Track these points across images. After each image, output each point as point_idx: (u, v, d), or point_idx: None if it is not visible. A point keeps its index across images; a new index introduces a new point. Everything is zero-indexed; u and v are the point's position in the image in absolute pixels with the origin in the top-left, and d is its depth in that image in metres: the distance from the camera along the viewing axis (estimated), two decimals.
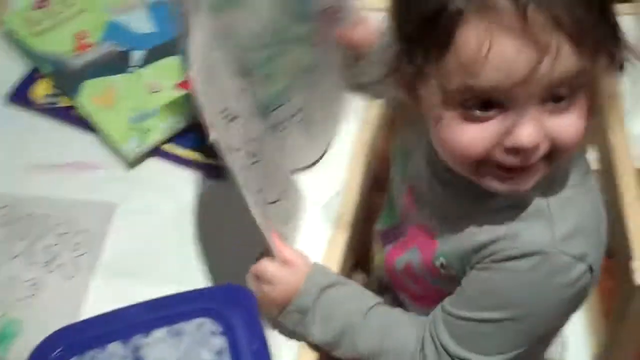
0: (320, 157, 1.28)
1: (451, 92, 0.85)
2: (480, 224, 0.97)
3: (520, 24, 0.78)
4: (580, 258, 0.93)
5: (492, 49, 0.79)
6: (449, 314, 1.00)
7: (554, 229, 0.93)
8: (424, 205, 1.07)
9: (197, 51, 0.94)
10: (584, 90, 0.87)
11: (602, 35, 0.84)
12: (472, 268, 0.98)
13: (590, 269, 0.94)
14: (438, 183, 1.03)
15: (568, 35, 0.80)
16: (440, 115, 0.88)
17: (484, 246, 0.96)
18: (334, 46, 1.18)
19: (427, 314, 1.05)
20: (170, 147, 1.28)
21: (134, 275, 1.15)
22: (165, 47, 1.37)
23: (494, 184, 0.91)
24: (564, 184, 0.96)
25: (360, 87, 1.24)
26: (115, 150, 1.27)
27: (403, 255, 1.11)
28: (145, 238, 1.20)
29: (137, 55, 1.36)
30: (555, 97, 0.84)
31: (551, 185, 0.95)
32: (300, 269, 1.06)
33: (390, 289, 1.20)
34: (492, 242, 0.95)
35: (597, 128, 1.29)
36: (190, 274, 1.15)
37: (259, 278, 1.06)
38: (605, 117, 1.27)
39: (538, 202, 0.94)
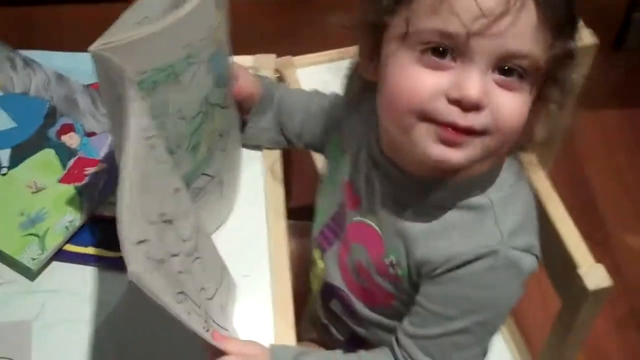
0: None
1: (415, 31, 0.87)
2: (421, 224, 1.00)
3: None
4: (528, 249, 0.98)
5: None
6: (418, 337, 1.02)
7: (501, 227, 0.97)
8: (365, 200, 1.07)
9: (131, 159, 0.84)
10: (535, 80, 0.90)
11: (566, 31, 0.89)
12: (423, 277, 1.01)
13: (536, 257, 1.00)
14: (378, 176, 1.04)
15: (538, 5, 0.85)
16: (397, 54, 0.90)
17: (433, 252, 0.99)
18: (234, 106, 1.17)
19: (375, 314, 1.11)
20: (73, 247, 1.14)
21: None
22: (31, 142, 1.23)
23: (428, 145, 0.90)
24: (503, 183, 1.00)
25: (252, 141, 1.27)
26: (12, 262, 1.11)
27: (351, 255, 1.11)
28: (76, 350, 1.05)
29: (2, 154, 1.21)
30: (506, 70, 0.88)
31: (492, 185, 0.99)
32: (259, 357, 1.01)
33: (336, 296, 1.17)
34: (442, 246, 0.98)
35: None
36: None
37: None
38: None
39: (482, 202, 0.98)
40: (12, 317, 1.08)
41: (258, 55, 1.40)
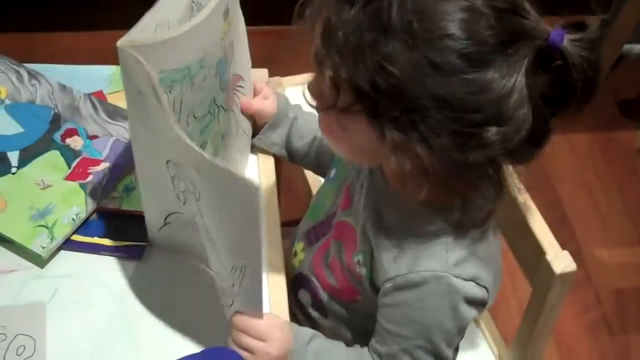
0: None
1: None
2: (388, 235, 1.09)
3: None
4: (472, 279, 1.07)
5: None
6: (382, 354, 1.11)
7: (448, 256, 1.05)
8: (354, 203, 1.17)
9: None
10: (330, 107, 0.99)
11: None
12: (380, 287, 1.10)
13: (485, 288, 1.08)
14: (370, 183, 1.14)
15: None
16: None
17: (388, 264, 1.08)
18: (234, 110, 1.26)
19: (340, 307, 1.23)
20: (80, 237, 1.24)
21: None
22: (38, 144, 1.33)
23: None
24: (465, 212, 1.06)
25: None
26: (24, 251, 1.21)
27: (329, 250, 1.21)
28: (88, 328, 1.15)
29: (12, 156, 1.31)
30: None
31: (453, 212, 1.06)
32: (283, 326, 1.10)
33: (306, 287, 1.28)
34: (396, 260, 1.07)
35: None
36: (148, 353, 1.13)
37: (249, 335, 1.06)
38: None
39: (441, 227, 1.06)
40: (28, 299, 1.17)
41: (252, 70, 1.49)
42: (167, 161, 1.06)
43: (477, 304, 1.09)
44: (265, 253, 1.23)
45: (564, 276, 1.28)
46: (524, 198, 1.33)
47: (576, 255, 2.20)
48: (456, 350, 1.36)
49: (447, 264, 1.05)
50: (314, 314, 1.28)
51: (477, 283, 1.07)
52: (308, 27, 0.98)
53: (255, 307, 1.05)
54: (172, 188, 1.10)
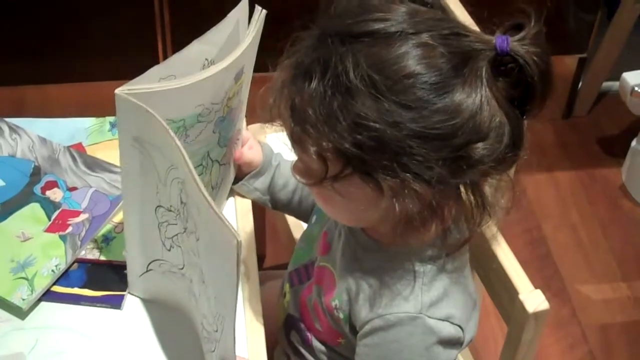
0: None
1: None
2: (365, 279, 1.12)
3: None
4: (446, 319, 1.10)
5: None
6: None
7: (423, 297, 1.09)
8: (332, 249, 1.20)
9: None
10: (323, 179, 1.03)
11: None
12: (357, 330, 1.13)
13: (459, 327, 1.11)
14: (347, 231, 1.17)
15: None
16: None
17: (366, 307, 1.11)
18: (231, 163, 1.30)
19: (327, 349, 1.24)
20: (60, 288, 1.26)
21: None
22: (18, 197, 1.36)
23: None
24: (439, 253, 1.11)
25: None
26: (5, 303, 1.22)
27: (312, 294, 1.23)
28: None
29: None
30: None
31: (428, 253, 1.10)
32: None
33: (295, 328, 1.30)
34: (373, 303, 1.10)
35: None
36: None
37: None
38: None
39: (415, 268, 1.10)
40: (9, 351, 1.18)
41: None
42: (157, 207, 1.09)
43: (453, 343, 1.12)
44: (243, 297, 1.26)
45: (538, 315, 1.29)
46: (497, 237, 1.36)
47: (561, 292, 2.26)
48: None
49: (422, 304, 1.08)
50: (305, 354, 1.29)
51: (451, 322, 1.10)
52: (274, 115, 1.03)
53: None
54: (158, 235, 1.13)
